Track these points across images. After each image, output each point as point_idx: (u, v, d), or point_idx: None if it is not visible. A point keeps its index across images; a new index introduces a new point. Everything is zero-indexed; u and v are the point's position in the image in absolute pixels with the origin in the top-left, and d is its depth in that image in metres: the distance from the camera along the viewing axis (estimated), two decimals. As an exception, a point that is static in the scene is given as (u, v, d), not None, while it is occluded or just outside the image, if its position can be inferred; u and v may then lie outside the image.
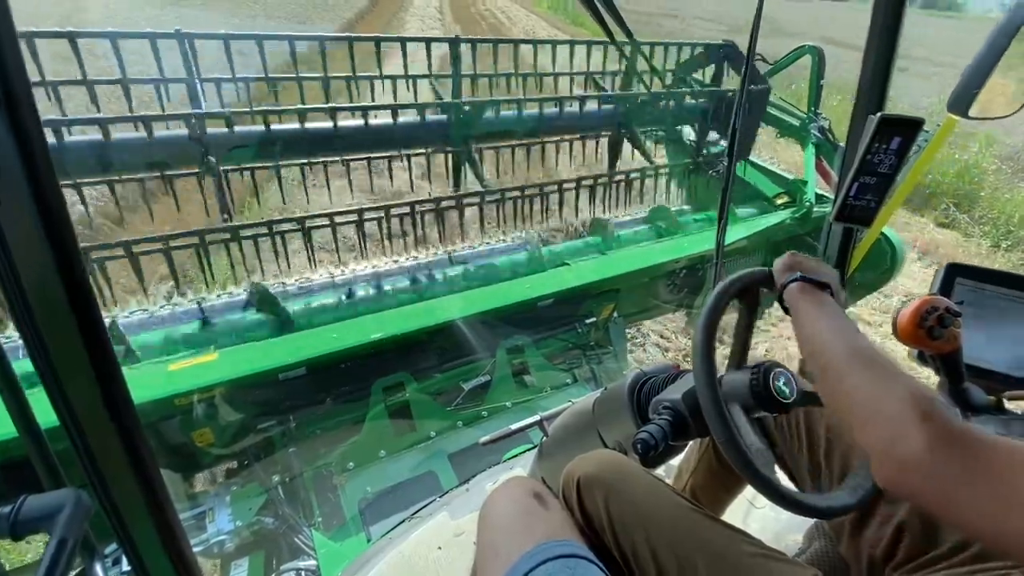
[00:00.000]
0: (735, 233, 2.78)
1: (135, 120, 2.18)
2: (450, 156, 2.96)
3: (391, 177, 2.89)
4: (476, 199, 2.85)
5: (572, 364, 2.51)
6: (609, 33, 1.16)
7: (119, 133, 2.18)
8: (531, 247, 2.79)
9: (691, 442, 1.19)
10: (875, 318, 4.36)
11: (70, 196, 2.13)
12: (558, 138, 3.22)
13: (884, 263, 2.95)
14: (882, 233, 2.85)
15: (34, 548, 2.01)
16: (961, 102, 1.36)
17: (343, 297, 2.35)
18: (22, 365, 0.59)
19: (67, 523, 0.54)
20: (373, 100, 2.79)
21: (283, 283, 2.51)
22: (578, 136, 3.28)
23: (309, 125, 2.53)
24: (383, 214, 2.63)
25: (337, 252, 2.68)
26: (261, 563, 1.73)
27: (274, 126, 2.45)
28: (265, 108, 2.41)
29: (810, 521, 1.04)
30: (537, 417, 1.33)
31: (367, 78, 2.73)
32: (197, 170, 2.35)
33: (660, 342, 3.90)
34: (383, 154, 2.80)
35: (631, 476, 0.86)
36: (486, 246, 2.92)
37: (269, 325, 2.14)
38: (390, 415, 2.04)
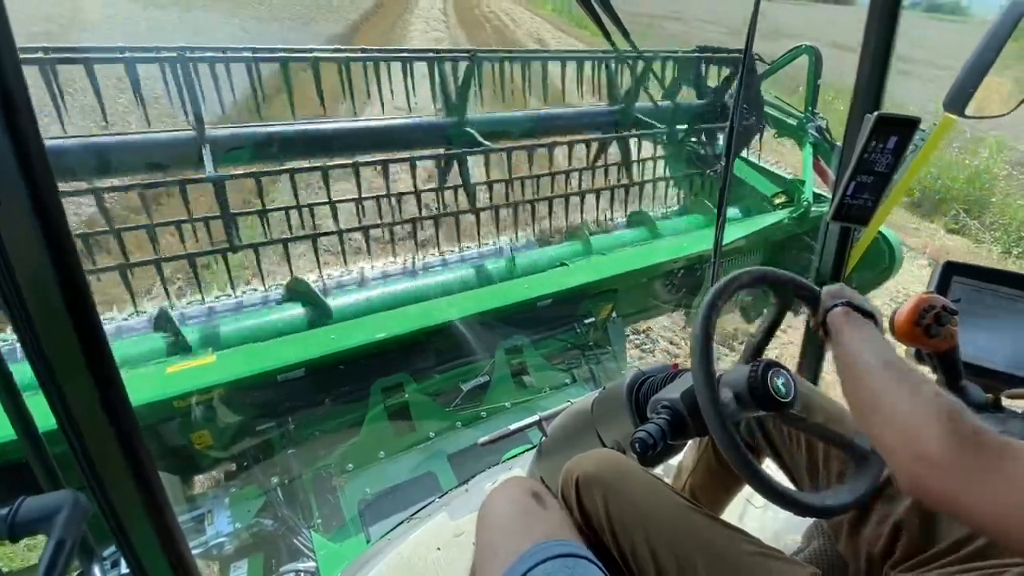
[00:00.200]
0: (733, 233, 2.78)
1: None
2: (450, 159, 2.96)
3: (385, 178, 2.89)
4: (475, 202, 2.85)
5: (571, 364, 2.51)
6: (609, 37, 1.16)
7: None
8: (530, 247, 2.79)
9: (690, 441, 1.19)
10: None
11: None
12: (557, 140, 3.22)
13: (882, 262, 2.96)
14: (880, 232, 2.85)
15: (36, 554, 2.01)
16: (957, 101, 1.36)
17: (345, 298, 2.35)
18: (21, 367, 0.59)
19: (65, 524, 0.54)
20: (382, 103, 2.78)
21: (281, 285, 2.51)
22: (579, 140, 3.29)
23: (310, 127, 2.53)
24: (379, 209, 2.62)
25: (343, 255, 2.69)
26: (260, 565, 1.73)
27: (276, 128, 2.45)
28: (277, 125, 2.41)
29: (809, 520, 1.04)
30: (536, 417, 1.33)
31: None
32: (197, 174, 2.34)
33: (670, 348, 3.86)
34: (383, 157, 2.81)
35: (630, 475, 0.86)
36: (485, 247, 2.93)
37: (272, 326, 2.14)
38: (389, 416, 2.04)
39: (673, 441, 0.81)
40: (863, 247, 2.01)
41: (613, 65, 3.22)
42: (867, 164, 1.17)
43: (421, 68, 2.70)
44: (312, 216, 2.57)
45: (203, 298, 2.41)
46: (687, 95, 3.54)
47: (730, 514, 1.20)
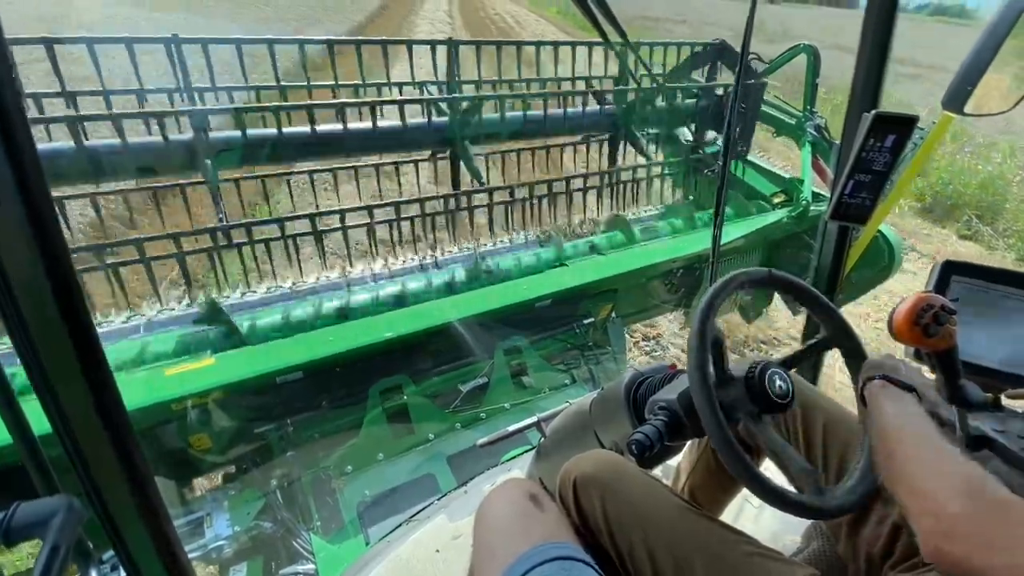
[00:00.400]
0: (732, 232, 2.78)
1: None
2: (449, 158, 2.96)
3: (378, 180, 2.90)
4: (475, 200, 2.85)
5: (570, 365, 2.51)
6: (603, 33, 1.16)
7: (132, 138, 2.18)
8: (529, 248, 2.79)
9: (689, 442, 1.19)
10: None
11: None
12: (558, 141, 3.22)
13: (882, 260, 2.96)
14: (879, 231, 2.85)
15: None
16: (956, 99, 1.36)
17: (342, 301, 2.34)
18: (17, 371, 0.59)
19: (59, 529, 0.54)
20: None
21: (279, 286, 2.51)
22: (578, 138, 3.29)
23: (309, 130, 2.52)
24: (368, 217, 2.62)
25: (349, 257, 2.69)
26: (260, 568, 1.72)
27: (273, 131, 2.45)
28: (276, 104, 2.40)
29: (808, 521, 1.04)
30: (535, 418, 1.33)
31: (351, 86, 2.73)
32: (195, 178, 2.35)
33: (682, 356, 3.83)
34: (377, 161, 2.82)
35: (627, 476, 0.86)
36: (485, 247, 2.92)
37: (268, 330, 2.14)
38: (388, 418, 2.04)
39: (670, 442, 0.81)
40: (862, 246, 2.01)
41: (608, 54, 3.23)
42: (865, 163, 1.17)
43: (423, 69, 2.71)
44: (314, 222, 2.56)
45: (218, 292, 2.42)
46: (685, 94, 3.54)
47: (729, 515, 1.20)
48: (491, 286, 2.42)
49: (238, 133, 2.35)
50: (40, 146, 1.97)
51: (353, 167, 2.82)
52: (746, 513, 1.30)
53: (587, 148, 3.42)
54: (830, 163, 3.12)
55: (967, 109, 1.37)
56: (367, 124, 2.58)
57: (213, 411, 1.73)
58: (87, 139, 2.10)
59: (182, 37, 2.22)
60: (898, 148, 1.14)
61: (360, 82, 2.72)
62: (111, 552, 0.70)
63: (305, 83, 2.62)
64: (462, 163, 2.88)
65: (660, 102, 3.32)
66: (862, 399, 0.78)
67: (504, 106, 2.87)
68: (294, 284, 2.54)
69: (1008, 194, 6.68)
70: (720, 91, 3.37)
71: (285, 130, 2.43)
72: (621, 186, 3.35)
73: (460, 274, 2.56)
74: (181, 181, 2.40)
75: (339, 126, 2.52)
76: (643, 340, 3.96)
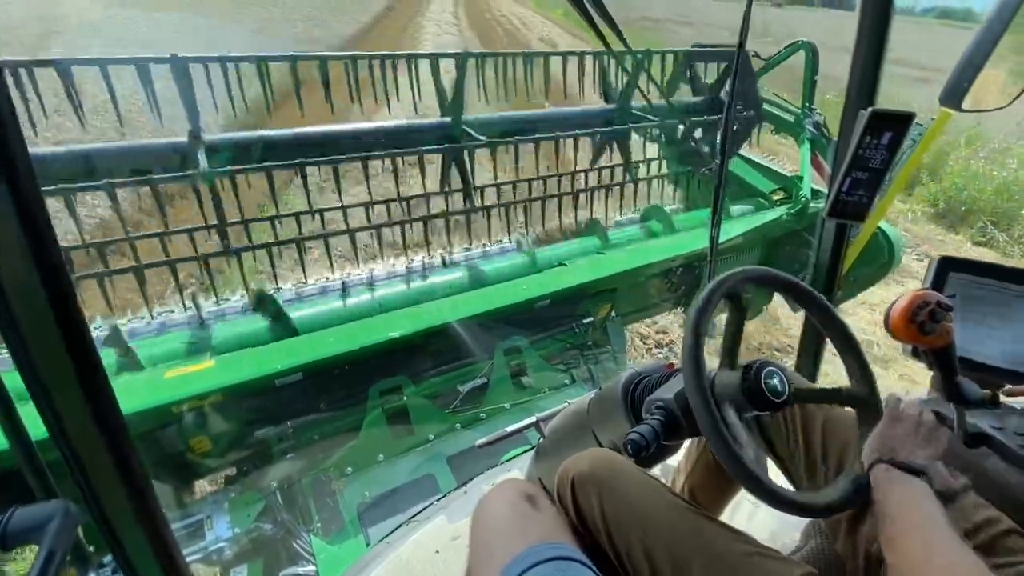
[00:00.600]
0: (731, 230, 2.78)
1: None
2: (450, 159, 2.96)
3: (366, 180, 2.89)
4: (474, 202, 2.84)
5: (570, 365, 2.51)
6: (601, 37, 1.16)
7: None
8: (525, 248, 2.79)
9: (689, 441, 1.19)
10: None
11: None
12: (556, 141, 3.21)
13: (882, 257, 2.96)
14: (879, 228, 2.85)
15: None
16: (954, 95, 1.36)
17: (342, 302, 2.34)
18: (12, 376, 0.59)
19: (56, 534, 0.54)
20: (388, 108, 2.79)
21: (279, 288, 2.51)
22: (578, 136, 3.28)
23: (314, 129, 2.53)
24: (366, 219, 2.62)
25: (356, 259, 2.69)
26: (260, 570, 1.73)
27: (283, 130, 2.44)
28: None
29: (806, 519, 1.04)
30: (534, 418, 1.33)
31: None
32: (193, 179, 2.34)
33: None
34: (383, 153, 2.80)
35: (625, 474, 0.86)
36: (483, 248, 2.92)
37: (269, 331, 2.14)
38: (388, 419, 2.04)
39: (667, 442, 0.81)
40: (861, 243, 2.01)
41: (606, 61, 3.21)
42: (862, 160, 1.16)
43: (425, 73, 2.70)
44: (323, 220, 2.56)
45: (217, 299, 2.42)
46: (683, 93, 3.54)
47: (727, 514, 1.20)
48: (491, 286, 2.42)
49: (247, 134, 2.36)
50: (41, 150, 1.98)
51: (363, 159, 2.80)
52: (744, 512, 1.30)
53: (590, 146, 3.41)
54: (829, 160, 3.13)
55: (965, 105, 1.37)
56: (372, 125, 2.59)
57: (213, 413, 1.73)
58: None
59: (189, 56, 2.22)
60: (895, 145, 1.14)
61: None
62: (110, 556, 0.70)
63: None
64: (457, 163, 2.87)
65: (659, 102, 3.31)
66: (866, 484, 0.72)
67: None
68: (295, 286, 2.54)
69: (1024, 200, 6.56)
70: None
71: (296, 130, 2.44)
72: (618, 186, 3.34)
73: (460, 274, 2.56)
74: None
75: (347, 126, 2.52)
76: (656, 347, 3.91)
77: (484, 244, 3.01)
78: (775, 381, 0.78)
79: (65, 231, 2.56)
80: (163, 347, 2.04)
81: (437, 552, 1.30)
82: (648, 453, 0.77)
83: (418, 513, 1.44)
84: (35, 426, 0.61)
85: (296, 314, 2.19)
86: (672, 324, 4.02)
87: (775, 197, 3.30)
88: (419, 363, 2.16)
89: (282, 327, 2.13)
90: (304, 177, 2.38)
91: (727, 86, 3.45)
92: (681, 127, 3.49)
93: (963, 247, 6.13)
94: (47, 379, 0.55)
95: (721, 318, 0.90)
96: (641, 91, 3.27)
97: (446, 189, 2.84)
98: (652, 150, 3.62)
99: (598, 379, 2.44)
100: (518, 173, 3.01)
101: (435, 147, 2.62)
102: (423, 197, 2.77)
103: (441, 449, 2.03)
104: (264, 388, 1.80)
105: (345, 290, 2.45)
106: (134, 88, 2.23)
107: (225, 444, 1.84)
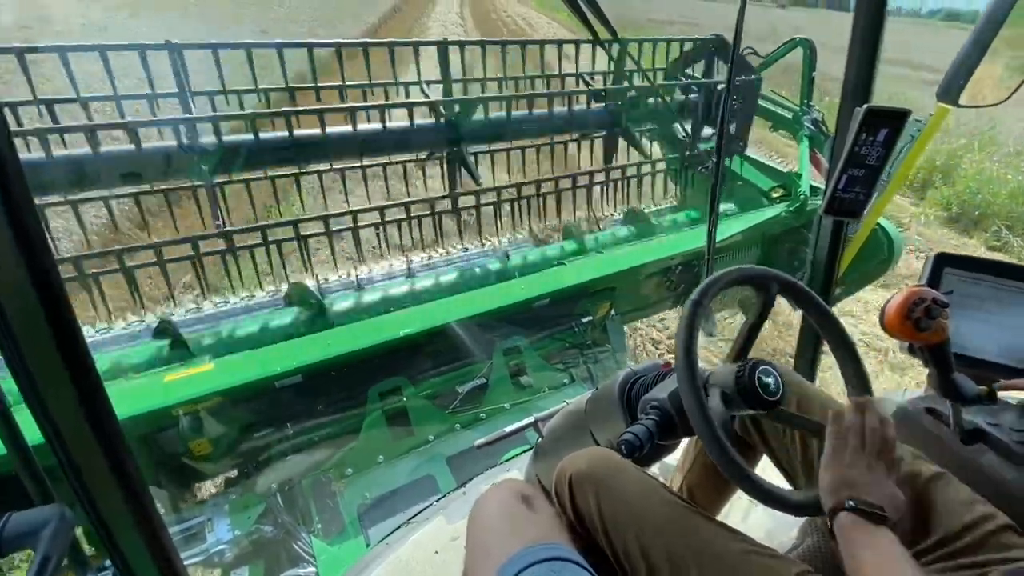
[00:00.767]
0: (729, 228, 2.77)
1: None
2: (449, 159, 2.96)
3: (365, 183, 2.90)
4: (473, 200, 2.85)
5: (569, 364, 2.51)
6: (593, 31, 1.16)
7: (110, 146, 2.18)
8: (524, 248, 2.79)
9: (686, 440, 1.19)
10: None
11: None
12: (553, 139, 3.22)
13: (881, 254, 2.95)
14: (879, 224, 2.84)
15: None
16: (951, 91, 1.36)
17: (342, 302, 2.35)
18: (10, 382, 0.59)
19: (51, 539, 0.54)
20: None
21: (279, 290, 2.51)
22: (574, 137, 3.28)
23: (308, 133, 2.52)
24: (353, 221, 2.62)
25: (361, 257, 2.69)
26: (261, 571, 1.73)
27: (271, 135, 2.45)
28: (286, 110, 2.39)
29: (802, 517, 1.04)
30: (532, 418, 1.33)
31: (356, 86, 2.72)
32: (193, 183, 2.35)
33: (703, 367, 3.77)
34: (380, 160, 2.82)
35: (622, 473, 0.86)
36: (484, 247, 2.92)
37: (269, 332, 2.15)
38: (387, 420, 2.04)
39: (662, 441, 0.81)
40: (860, 240, 2.01)
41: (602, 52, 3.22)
42: (858, 157, 1.16)
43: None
44: (327, 224, 2.56)
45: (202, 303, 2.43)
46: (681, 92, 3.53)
47: (725, 512, 1.20)
48: (490, 286, 2.42)
49: (249, 136, 2.36)
50: (41, 156, 1.99)
51: (362, 166, 2.80)
52: (741, 510, 1.30)
53: (589, 145, 3.41)
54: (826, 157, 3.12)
55: (962, 101, 1.37)
56: (376, 125, 2.58)
57: (213, 416, 1.74)
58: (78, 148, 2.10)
59: (185, 43, 2.21)
60: (891, 142, 1.14)
61: (367, 82, 2.72)
62: (109, 560, 0.70)
63: (312, 85, 2.60)
64: (458, 163, 2.88)
65: (655, 99, 3.31)
66: (831, 531, 0.69)
67: (510, 105, 2.87)
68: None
69: (1040, 205, 6.39)
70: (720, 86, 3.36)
71: (296, 132, 2.44)
72: (616, 184, 3.34)
73: (458, 275, 2.56)
74: (185, 184, 2.40)
75: (348, 128, 2.52)
76: (669, 352, 3.88)
77: (484, 244, 3.01)
78: (769, 380, 0.78)
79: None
80: (164, 349, 2.04)
81: (437, 553, 1.30)
82: (643, 453, 0.77)
83: (418, 514, 1.44)
84: (31, 430, 0.61)
85: (297, 316, 2.19)
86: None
87: (774, 194, 3.29)
88: (418, 364, 2.17)
89: (278, 328, 2.14)
90: (299, 184, 2.39)
91: (693, 68, 3.45)
92: (679, 124, 3.49)
93: (978, 252, 6.00)
94: (40, 383, 0.55)
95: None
96: (638, 88, 3.26)
97: (457, 190, 2.85)
98: (653, 151, 3.62)
99: (597, 378, 2.44)
100: (511, 174, 3.01)
101: (432, 155, 2.62)
102: (426, 202, 2.78)
103: (440, 450, 2.03)
104: (264, 390, 1.80)
105: (345, 291, 2.45)
106: (138, 84, 2.24)
107: (225, 446, 1.84)
